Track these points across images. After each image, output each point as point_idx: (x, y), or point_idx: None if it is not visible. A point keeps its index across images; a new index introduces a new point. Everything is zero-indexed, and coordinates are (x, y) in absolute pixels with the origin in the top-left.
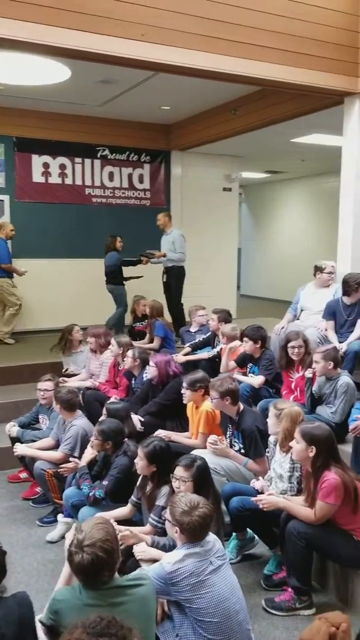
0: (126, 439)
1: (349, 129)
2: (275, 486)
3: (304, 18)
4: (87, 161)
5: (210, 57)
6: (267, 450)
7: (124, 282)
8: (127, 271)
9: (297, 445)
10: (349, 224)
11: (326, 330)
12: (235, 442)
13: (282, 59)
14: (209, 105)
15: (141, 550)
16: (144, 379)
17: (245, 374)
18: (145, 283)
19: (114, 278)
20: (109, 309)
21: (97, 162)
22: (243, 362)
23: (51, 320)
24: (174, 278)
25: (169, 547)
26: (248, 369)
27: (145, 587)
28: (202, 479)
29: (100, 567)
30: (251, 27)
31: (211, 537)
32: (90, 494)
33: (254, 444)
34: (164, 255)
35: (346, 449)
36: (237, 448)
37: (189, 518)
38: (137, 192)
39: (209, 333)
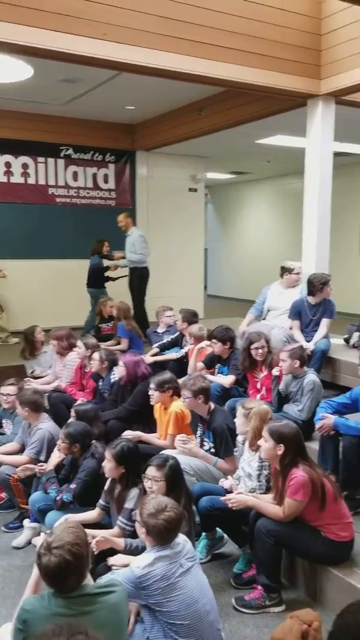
0: (94, 441)
1: (312, 130)
2: (244, 485)
3: (267, 20)
4: (51, 160)
5: (173, 57)
6: (235, 449)
7: (104, 284)
8: (115, 272)
9: (266, 443)
10: (313, 225)
11: (291, 329)
12: (205, 441)
13: (245, 61)
14: (174, 105)
15: (116, 560)
16: (112, 380)
17: (213, 375)
18: (115, 284)
19: (93, 281)
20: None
21: (61, 162)
22: (211, 363)
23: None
24: (136, 279)
25: (142, 549)
26: (217, 370)
27: (117, 594)
28: (174, 478)
29: (68, 570)
30: (214, 28)
31: (181, 538)
32: (58, 498)
33: (225, 442)
34: (123, 257)
35: (313, 446)
36: (207, 447)
37: (154, 521)
38: (102, 192)
39: (177, 333)
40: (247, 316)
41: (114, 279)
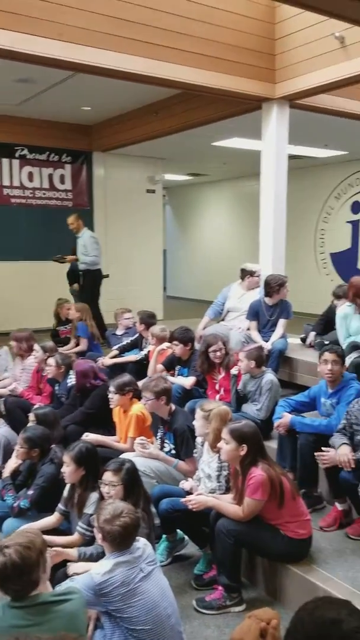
0: (53, 446)
1: (267, 133)
2: (204, 486)
3: (221, 24)
4: (5, 161)
5: (128, 58)
6: (195, 451)
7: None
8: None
9: (227, 445)
10: (269, 227)
11: (248, 329)
12: (166, 442)
13: (199, 63)
14: (131, 106)
15: (76, 568)
16: (68, 384)
17: (173, 376)
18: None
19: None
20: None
21: (16, 162)
22: (171, 364)
23: None
24: (89, 282)
25: (97, 556)
26: (177, 371)
27: (74, 601)
28: (131, 482)
29: (13, 572)
30: (169, 31)
31: (141, 542)
32: (15, 504)
33: (185, 443)
34: (76, 260)
35: (272, 445)
36: (168, 449)
37: (110, 527)
38: (58, 193)
39: (136, 335)
40: (203, 319)
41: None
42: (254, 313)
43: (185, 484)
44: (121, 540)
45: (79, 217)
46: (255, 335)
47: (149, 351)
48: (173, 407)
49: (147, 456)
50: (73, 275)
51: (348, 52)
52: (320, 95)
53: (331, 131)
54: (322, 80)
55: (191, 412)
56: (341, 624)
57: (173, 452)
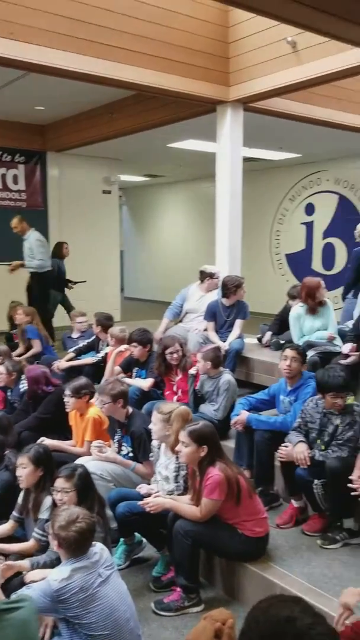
0: (7, 452)
1: (221, 136)
2: (161, 488)
3: (176, 26)
4: None
5: (81, 59)
6: (150, 454)
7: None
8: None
9: (187, 448)
10: (225, 228)
11: (206, 330)
12: (124, 445)
13: (153, 65)
14: (86, 107)
15: (33, 576)
16: (21, 390)
17: (130, 378)
18: (15, 290)
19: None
20: None
21: None
22: (128, 366)
23: None
24: (37, 285)
25: (51, 563)
26: (134, 373)
27: (25, 609)
28: (84, 487)
29: None
30: (123, 32)
31: (98, 547)
32: None
33: (143, 446)
34: (23, 265)
35: (229, 445)
36: (125, 452)
37: (65, 533)
38: (11, 194)
39: (93, 337)
40: (163, 321)
41: (74, 283)
42: (211, 314)
43: (142, 489)
44: (77, 546)
45: (23, 219)
46: (213, 336)
47: (106, 353)
48: (130, 409)
49: (104, 460)
50: (59, 280)
51: (300, 56)
52: (274, 98)
53: (285, 134)
54: (275, 84)
55: (148, 414)
56: (295, 622)
57: (131, 455)
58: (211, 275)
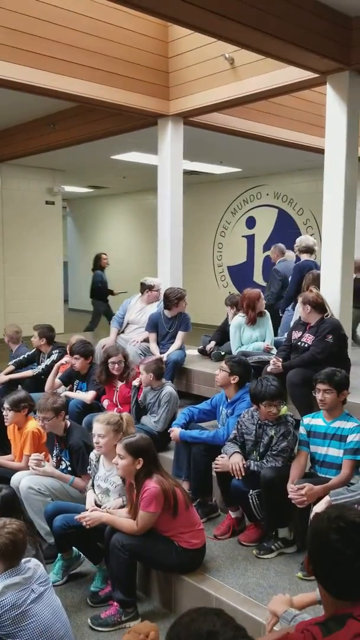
0: None
1: (162, 148)
2: (102, 502)
3: (117, 40)
4: None
5: (20, 69)
6: (88, 467)
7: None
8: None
9: (123, 460)
10: (166, 240)
11: (144, 341)
12: (63, 460)
13: (94, 77)
14: (27, 117)
15: None
16: None
17: (72, 391)
18: None
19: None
20: None
21: None
22: (69, 379)
23: None
24: None
25: None
26: (75, 386)
27: None
28: (8, 509)
29: None
30: (63, 44)
31: (32, 562)
32: None
33: (81, 460)
34: None
35: (169, 456)
36: (64, 466)
37: None
38: None
39: (33, 350)
40: (112, 331)
41: (115, 294)
42: (153, 325)
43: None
44: (13, 549)
45: None
46: (154, 348)
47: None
48: (68, 423)
49: (41, 474)
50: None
51: (238, 73)
52: (214, 113)
53: (225, 149)
54: (214, 100)
55: (89, 426)
56: (217, 636)
57: (69, 469)
58: (150, 287)
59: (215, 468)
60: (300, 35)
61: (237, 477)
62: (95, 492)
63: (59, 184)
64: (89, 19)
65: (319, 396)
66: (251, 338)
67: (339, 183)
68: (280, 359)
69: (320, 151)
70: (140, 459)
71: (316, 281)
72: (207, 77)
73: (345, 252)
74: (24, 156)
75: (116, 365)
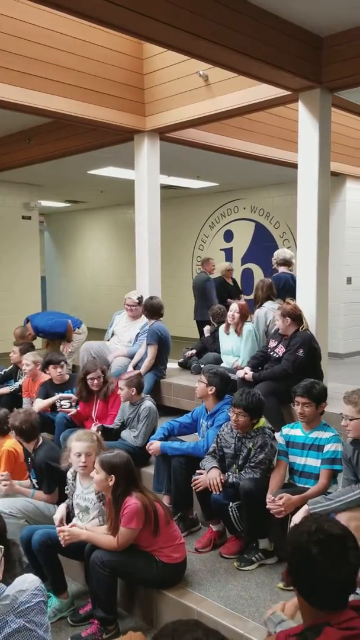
0: None
1: (139, 164)
2: (80, 520)
3: (92, 57)
4: None
5: None
6: (66, 487)
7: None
8: None
9: (97, 475)
10: (145, 254)
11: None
12: (30, 477)
13: (69, 93)
14: (3, 132)
15: None
16: None
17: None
18: None
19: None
20: None
21: None
22: (47, 393)
23: None
24: None
25: None
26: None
27: None
28: None
29: None
30: (39, 60)
31: (17, 584)
32: None
33: (46, 477)
34: None
35: (149, 471)
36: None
37: None
38: None
39: (11, 366)
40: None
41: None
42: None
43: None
44: None
45: None
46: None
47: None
48: (40, 440)
49: (4, 492)
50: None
51: (212, 90)
52: (190, 129)
53: (202, 163)
54: (188, 116)
55: (65, 440)
56: None
57: (37, 487)
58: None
59: (194, 486)
60: (273, 55)
61: (215, 492)
62: (74, 512)
63: (36, 198)
64: (65, 37)
65: (298, 409)
66: (229, 349)
67: (312, 197)
68: (250, 369)
69: (294, 166)
70: (113, 475)
71: (270, 289)
72: (182, 93)
73: (320, 264)
74: (0, 171)
75: (95, 381)
